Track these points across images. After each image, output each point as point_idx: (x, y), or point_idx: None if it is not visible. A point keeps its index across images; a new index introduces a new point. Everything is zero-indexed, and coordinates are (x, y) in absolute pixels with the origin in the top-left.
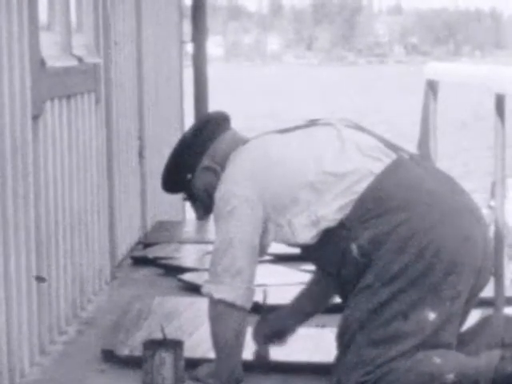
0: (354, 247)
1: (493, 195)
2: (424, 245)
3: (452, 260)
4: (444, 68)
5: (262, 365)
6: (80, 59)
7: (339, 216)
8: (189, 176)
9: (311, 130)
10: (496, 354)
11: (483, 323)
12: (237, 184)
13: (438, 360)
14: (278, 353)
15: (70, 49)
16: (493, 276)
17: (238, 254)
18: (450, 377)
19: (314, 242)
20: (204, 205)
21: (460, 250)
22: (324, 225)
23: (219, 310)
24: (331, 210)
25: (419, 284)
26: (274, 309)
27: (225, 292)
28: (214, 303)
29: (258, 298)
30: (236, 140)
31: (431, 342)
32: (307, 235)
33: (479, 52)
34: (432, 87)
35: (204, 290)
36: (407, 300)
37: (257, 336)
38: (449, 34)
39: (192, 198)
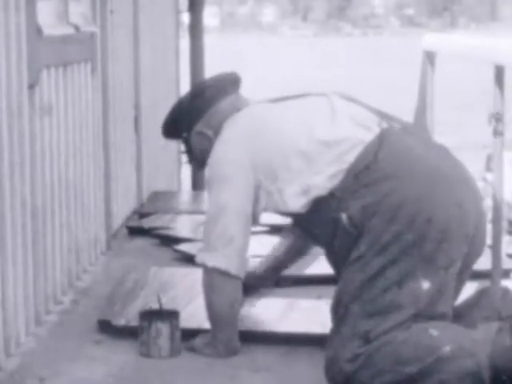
0: (344, 217)
1: (488, 168)
2: (415, 213)
3: (444, 228)
4: (442, 39)
5: None
6: (77, 28)
7: (329, 185)
8: (184, 134)
9: (304, 99)
10: (493, 326)
11: (480, 296)
12: (229, 151)
13: (434, 332)
14: (276, 324)
15: (66, 17)
16: (490, 248)
17: (231, 222)
18: (447, 349)
19: (305, 210)
20: (198, 162)
21: (452, 218)
22: (314, 193)
23: (213, 278)
24: (322, 179)
25: (412, 253)
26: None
27: (218, 260)
28: (208, 272)
29: (254, 268)
30: (234, 107)
31: (426, 312)
32: (298, 203)
33: (475, 24)
34: (430, 58)
35: (198, 258)
36: (400, 269)
37: None
38: (444, 6)
39: (188, 151)
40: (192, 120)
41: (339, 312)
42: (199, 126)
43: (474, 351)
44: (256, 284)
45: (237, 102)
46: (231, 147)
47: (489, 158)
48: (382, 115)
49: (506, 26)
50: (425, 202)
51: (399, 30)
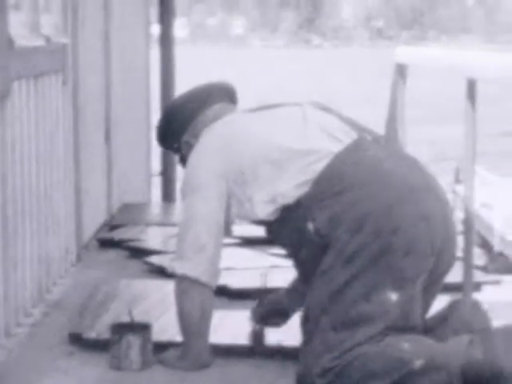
0: (310, 226)
1: (457, 180)
2: (381, 223)
3: (410, 239)
4: (414, 52)
5: (257, 346)
6: (48, 39)
7: (297, 194)
8: (176, 145)
9: (278, 109)
10: (464, 339)
11: (451, 308)
12: (201, 161)
13: (406, 345)
14: (247, 337)
15: (38, 28)
16: (461, 261)
17: (202, 230)
18: (419, 363)
19: (274, 218)
20: None
21: (418, 230)
22: (281, 201)
23: (183, 286)
24: (289, 188)
25: (378, 264)
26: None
27: (188, 267)
28: (179, 280)
29: (226, 280)
30: (216, 117)
31: (397, 325)
32: (265, 211)
33: (445, 37)
34: (401, 71)
35: (169, 266)
36: (367, 280)
37: (254, 316)
38: (414, 19)
39: (181, 160)
40: (179, 131)
41: (309, 325)
42: (186, 136)
43: (446, 364)
44: (286, 311)
45: (221, 111)
46: (203, 157)
47: (458, 170)
48: (355, 126)
49: (477, 38)
50: (391, 212)
51: (368, 43)
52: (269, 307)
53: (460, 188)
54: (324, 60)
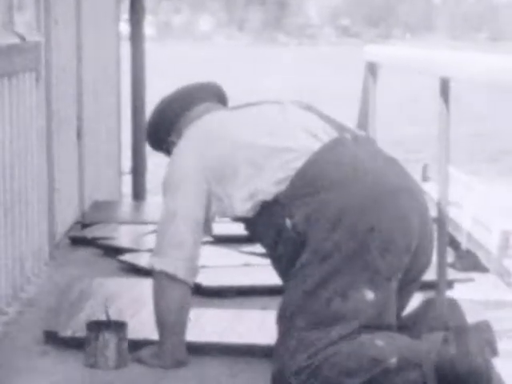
0: (288, 223)
1: (424, 178)
2: (356, 222)
3: (387, 238)
4: (384, 50)
5: None
6: (22, 37)
7: (275, 190)
8: (164, 146)
9: (259, 107)
10: (438, 336)
11: (426, 306)
12: (182, 158)
13: (380, 343)
14: (222, 336)
15: (11, 26)
16: (435, 259)
17: (181, 227)
18: (393, 361)
19: (252, 214)
20: None
21: (395, 229)
22: (259, 198)
23: (161, 282)
24: (267, 184)
25: (354, 262)
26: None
27: (166, 264)
28: (157, 276)
29: (198, 279)
30: (199, 117)
31: (372, 323)
32: (244, 207)
33: (410, 35)
34: (372, 70)
35: (149, 262)
36: (343, 279)
37: None
38: (380, 17)
39: None
40: (165, 132)
41: (284, 323)
42: (173, 137)
43: (420, 362)
44: None
45: (205, 111)
46: (183, 154)
47: (425, 168)
48: (335, 125)
49: (441, 36)
50: (367, 211)
51: (335, 40)
52: None
53: (427, 186)
54: (290, 58)
